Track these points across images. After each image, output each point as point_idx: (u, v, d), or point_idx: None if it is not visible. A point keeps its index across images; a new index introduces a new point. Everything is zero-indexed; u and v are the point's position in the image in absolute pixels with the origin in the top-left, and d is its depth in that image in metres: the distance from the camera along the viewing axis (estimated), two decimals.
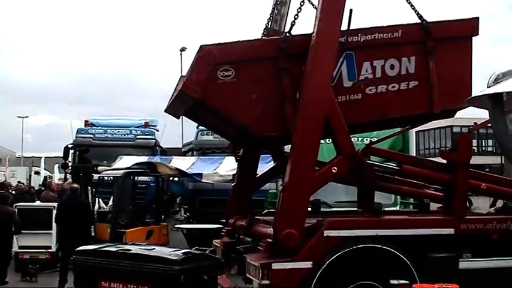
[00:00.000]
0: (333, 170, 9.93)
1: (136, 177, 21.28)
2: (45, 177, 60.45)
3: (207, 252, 10.15)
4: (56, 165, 75.78)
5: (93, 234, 17.58)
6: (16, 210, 17.49)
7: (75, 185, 18.01)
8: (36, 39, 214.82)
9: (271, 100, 10.20)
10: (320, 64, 9.86)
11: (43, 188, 28.85)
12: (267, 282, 9.06)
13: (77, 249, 9.19)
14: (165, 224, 21.13)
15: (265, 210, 13.33)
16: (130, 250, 8.53)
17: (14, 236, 16.97)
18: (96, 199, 20.00)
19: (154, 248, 8.82)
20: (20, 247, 17.76)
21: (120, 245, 9.49)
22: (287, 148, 12.27)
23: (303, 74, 9.82)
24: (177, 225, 23.26)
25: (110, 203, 20.12)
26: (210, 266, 8.54)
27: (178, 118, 12.00)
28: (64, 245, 15.92)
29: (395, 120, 11.31)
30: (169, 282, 7.78)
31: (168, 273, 7.78)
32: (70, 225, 15.61)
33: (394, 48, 10.82)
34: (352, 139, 10.46)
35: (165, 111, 11.26)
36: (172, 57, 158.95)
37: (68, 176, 28.26)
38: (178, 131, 42.88)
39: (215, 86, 9.86)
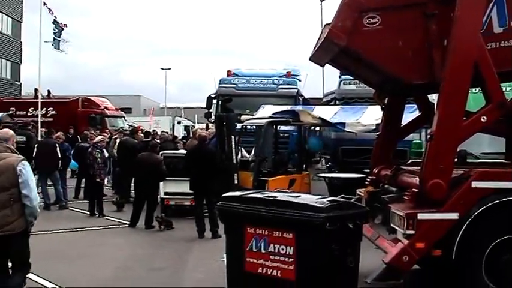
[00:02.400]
0: (482, 120, 9.62)
1: (278, 127, 21.43)
2: (185, 127, 62.10)
3: (352, 200, 10.09)
4: (196, 115, 77.62)
5: (236, 182, 17.91)
6: (163, 158, 18.08)
7: (203, 134, 18.37)
8: None
9: (419, 47, 9.93)
10: (469, 9, 9.52)
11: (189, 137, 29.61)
12: (412, 232, 8.98)
13: (223, 195, 9.32)
14: (307, 172, 21.19)
15: (410, 160, 13.14)
16: (276, 197, 8.58)
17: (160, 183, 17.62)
18: (239, 148, 20.24)
19: (299, 196, 8.82)
20: (166, 193, 18.39)
21: (265, 192, 9.59)
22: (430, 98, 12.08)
23: (452, 20, 9.51)
24: (319, 174, 23.31)
25: (253, 151, 20.35)
26: (355, 214, 8.44)
27: (322, 66, 11.95)
28: (194, 192, 16.41)
29: None
30: (315, 229, 7.78)
31: (314, 221, 7.77)
32: (197, 174, 16.03)
33: None
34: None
35: (310, 59, 11.21)
36: (312, 8, 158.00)
37: (210, 125, 28.83)
38: (320, 82, 42.77)
39: (361, 33, 9.72)
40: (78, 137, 26.78)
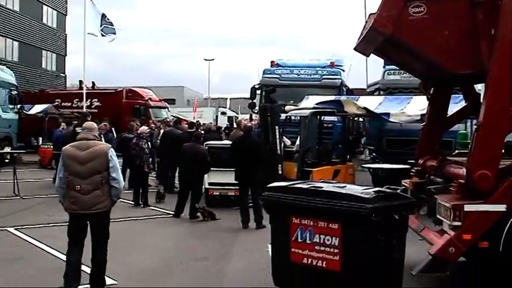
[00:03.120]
0: None
1: (323, 117, 21.38)
2: (229, 118, 62.28)
3: (398, 191, 10.02)
4: (239, 106, 77.71)
5: (280, 172, 17.93)
6: (207, 148, 18.12)
7: (249, 124, 18.37)
8: None
9: (465, 36, 9.77)
10: None
11: (233, 127, 29.67)
12: (458, 223, 8.84)
13: (269, 185, 9.35)
14: (351, 163, 21.13)
15: (456, 151, 12.99)
16: (321, 187, 8.58)
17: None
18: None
19: (345, 186, 8.82)
20: (210, 184, 18.45)
21: (310, 183, 9.58)
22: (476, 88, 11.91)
23: (499, 8, 9.36)
24: (364, 165, 23.22)
25: (297, 142, 20.33)
26: (401, 205, 8.42)
27: (367, 56, 11.84)
28: (239, 183, 16.41)
29: None
30: (361, 220, 7.77)
31: (360, 212, 7.76)
32: (243, 164, 16.02)
33: None
34: None
35: (355, 49, 11.12)
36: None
37: (254, 115, 28.83)
38: (363, 72, 42.47)
39: (406, 22, 9.64)
40: (113, 128, 26.99)
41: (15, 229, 14.84)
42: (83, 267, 10.45)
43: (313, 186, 8.75)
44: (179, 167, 18.52)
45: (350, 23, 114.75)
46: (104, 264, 9.57)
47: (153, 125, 26.76)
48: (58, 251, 12.30)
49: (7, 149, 29.27)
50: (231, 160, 16.75)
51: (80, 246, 9.51)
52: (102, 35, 36.44)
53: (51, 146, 27.43)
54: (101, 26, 36.11)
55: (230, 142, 18.73)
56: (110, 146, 9.72)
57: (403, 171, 15.19)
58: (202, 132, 23.05)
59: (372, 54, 11.36)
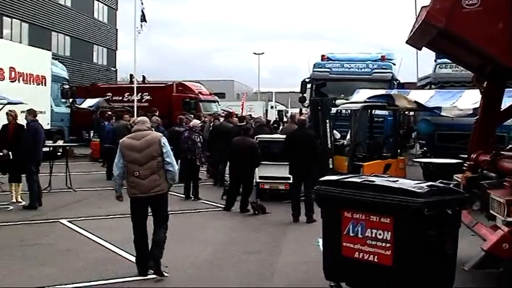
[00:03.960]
0: None
1: (373, 111, 21.28)
2: (279, 111, 62.41)
3: (451, 186, 9.91)
4: (289, 99, 77.86)
5: (331, 166, 17.88)
6: (258, 142, 18.13)
7: (302, 118, 18.32)
8: None
9: None
10: None
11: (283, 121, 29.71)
12: None
13: (320, 179, 9.32)
14: (402, 158, 20.99)
15: (509, 146, 12.80)
16: (373, 181, 8.54)
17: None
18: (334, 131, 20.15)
19: (397, 180, 8.75)
20: (260, 177, 18.46)
21: (363, 176, 9.52)
22: None
23: None
24: (415, 159, 23.07)
25: (348, 136, 20.27)
26: (454, 200, 8.32)
27: (420, 49, 11.73)
28: (293, 176, 16.37)
29: None
30: (413, 214, 7.71)
31: (412, 206, 7.70)
32: (297, 157, 15.92)
33: None
34: None
35: (407, 42, 11.05)
36: None
37: (304, 110, 28.78)
38: (413, 66, 42.14)
39: (460, 14, 9.53)
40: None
41: (67, 221, 15.10)
42: (126, 255, 10.81)
43: (365, 180, 8.71)
44: (229, 160, 18.54)
45: (400, 16, 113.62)
46: (162, 243, 10.29)
47: (206, 119, 26.85)
48: (109, 242, 12.52)
49: (60, 142, 29.63)
50: (284, 153, 16.72)
51: (144, 229, 10.31)
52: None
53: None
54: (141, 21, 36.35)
55: (281, 136, 18.75)
56: (162, 134, 10.81)
57: (454, 165, 15.03)
58: (252, 125, 23.09)
59: (423, 48, 11.28)
